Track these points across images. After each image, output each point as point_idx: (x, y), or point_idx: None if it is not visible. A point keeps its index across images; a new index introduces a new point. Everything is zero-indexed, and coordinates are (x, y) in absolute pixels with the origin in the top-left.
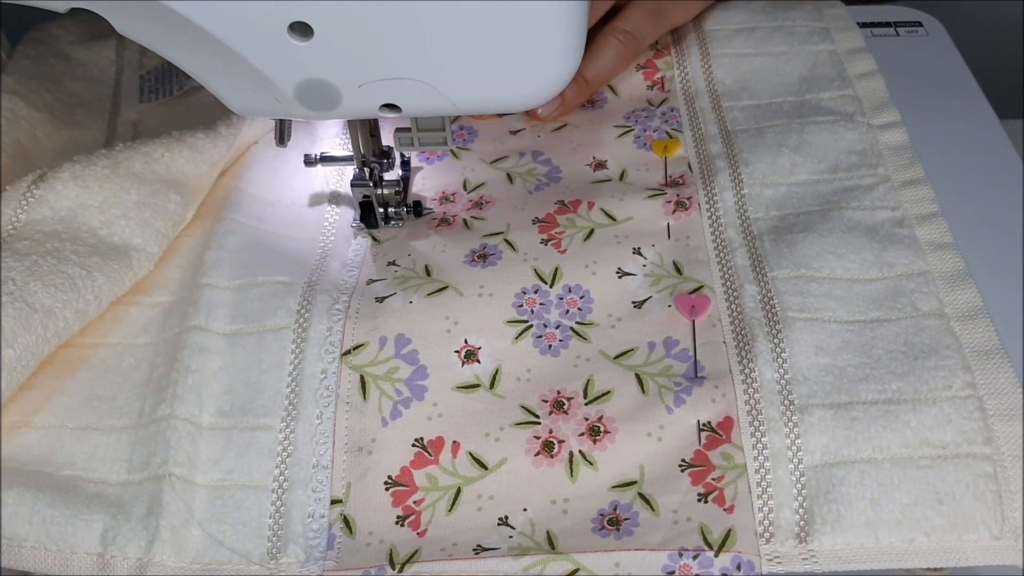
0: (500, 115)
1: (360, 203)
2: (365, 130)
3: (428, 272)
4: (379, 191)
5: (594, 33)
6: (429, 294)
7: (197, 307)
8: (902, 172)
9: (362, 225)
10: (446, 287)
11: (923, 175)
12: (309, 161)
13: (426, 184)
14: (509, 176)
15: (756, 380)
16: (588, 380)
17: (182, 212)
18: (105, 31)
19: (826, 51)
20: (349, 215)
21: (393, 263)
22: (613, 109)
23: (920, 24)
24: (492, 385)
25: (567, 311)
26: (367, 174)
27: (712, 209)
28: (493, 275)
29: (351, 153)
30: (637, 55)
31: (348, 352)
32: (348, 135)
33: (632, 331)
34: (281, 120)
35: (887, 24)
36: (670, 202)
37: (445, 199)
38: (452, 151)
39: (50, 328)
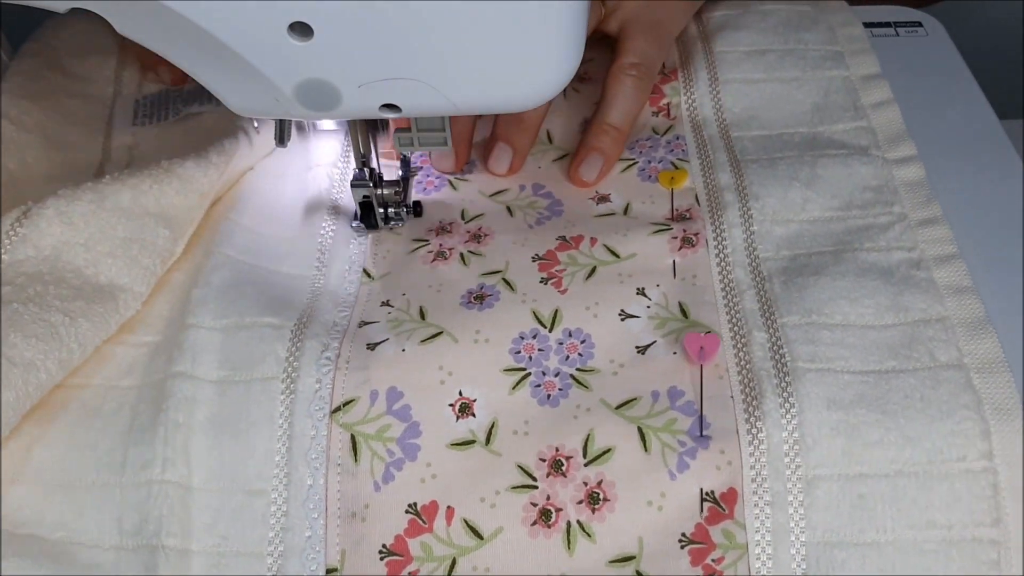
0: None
1: (360, 203)
2: (365, 130)
3: (423, 315)
4: (379, 191)
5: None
6: (422, 341)
7: (183, 350)
8: (919, 210)
9: (362, 225)
10: (440, 332)
11: (940, 214)
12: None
13: (425, 214)
14: (509, 209)
15: (763, 443)
16: (588, 435)
17: (171, 247)
18: (104, 46)
19: (840, 77)
20: (344, 248)
21: (387, 303)
22: None
23: (920, 24)
24: (488, 441)
25: (567, 357)
26: (367, 174)
27: (720, 246)
28: (490, 319)
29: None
30: (653, 81)
31: (338, 409)
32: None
33: (635, 378)
34: (281, 120)
35: (887, 24)
36: (676, 238)
37: (442, 229)
38: (450, 182)
39: (31, 382)
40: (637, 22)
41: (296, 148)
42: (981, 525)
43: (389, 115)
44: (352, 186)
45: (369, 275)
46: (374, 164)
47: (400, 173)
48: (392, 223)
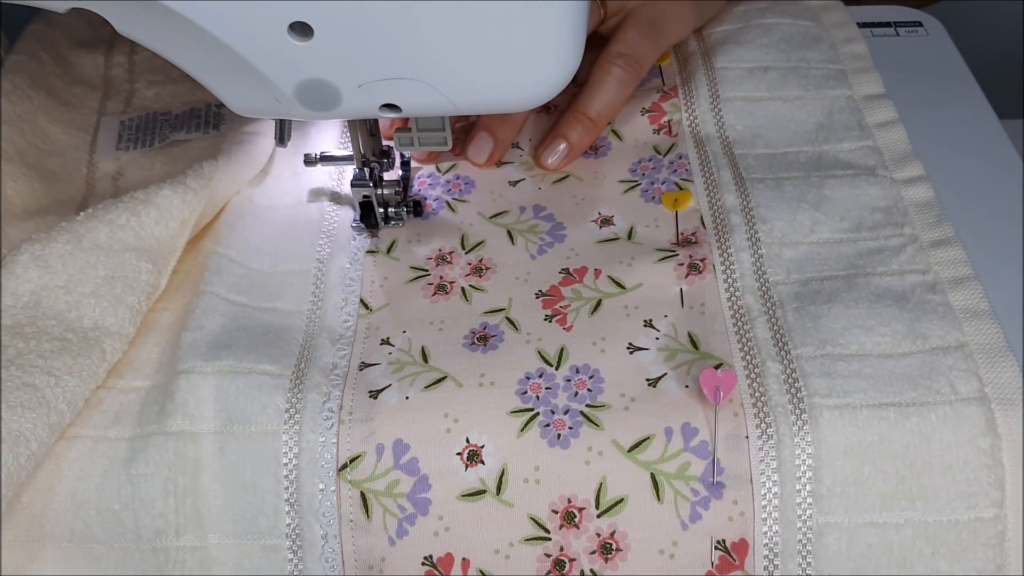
0: (499, 164)
1: (360, 203)
2: (365, 130)
3: (425, 357)
4: (379, 191)
5: (587, 63)
6: (426, 387)
7: (175, 400)
8: (930, 231)
9: (362, 225)
10: (444, 377)
11: (953, 234)
12: (309, 161)
13: (422, 239)
14: (510, 234)
15: (777, 496)
16: (601, 484)
17: (156, 281)
18: (93, 66)
19: (843, 96)
20: (340, 274)
21: (387, 341)
22: (618, 157)
23: (920, 24)
24: (499, 491)
25: (576, 393)
26: (367, 174)
27: (728, 271)
28: (494, 361)
29: (351, 152)
30: (639, 80)
31: (345, 466)
32: (348, 136)
33: (647, 414)
34: (281, 120)
35: (887, 24)
36: (682, 264)
37: (442, 259)
38: (448, 203)
39: (23, 454)
40: (633, 17)
41: (284, 172)
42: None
43: (389, 115)
44: (352, 186)
45: (367, 306)
46: (372, 159)
47: (400, 173)
48: (392, 222)
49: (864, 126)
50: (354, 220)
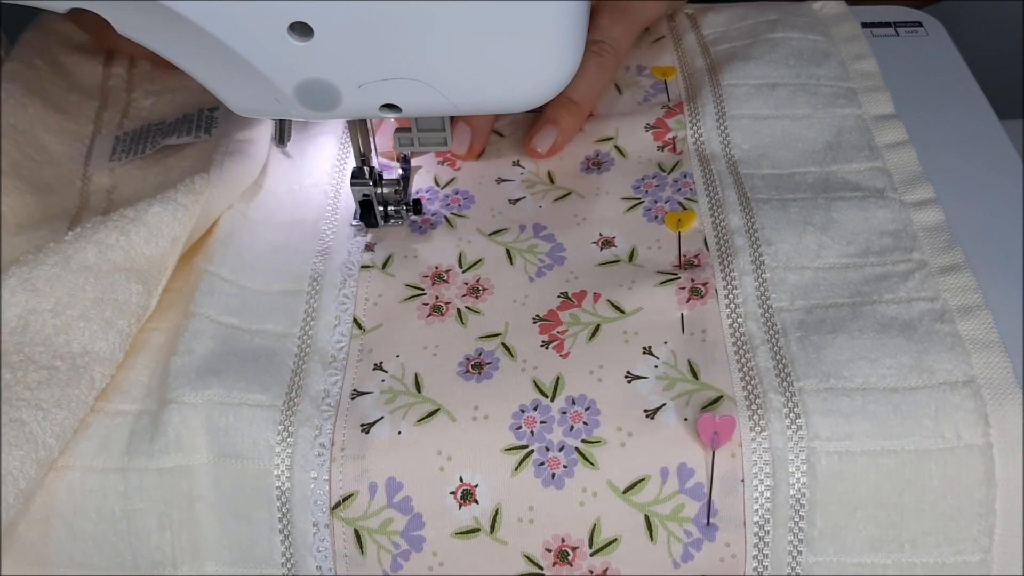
0: (494, 175)
1: (360, 202)
2: (365, 130)
3: (418, 386)
4: (379, 190)
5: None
6: (419, 420)
7: (167, 434)
8: (940, 256)
9: (361, 224)
10: (437, 410)
11: (963, 260)
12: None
13: (420, 254)
14: (509, 254)
15: (769, 544)
16: (595, 524)
17: (146, 302)
18: (90, 77)
19: (852, 115)
20: (333, 291)
21: (380, 367)
22: (621, 174)
23: (920, 24)
24: (492, 529)
25: (571, 427)
26: (367, 172)
27: (731, 296)
28: (488, 391)
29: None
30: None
31: (338, 505)
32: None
33: (644, 451)
34: (281, 120)
35: (887, 24)
36: (684, 288)
37: (438, 277)
38: (447, 217)
39: (11, 493)
40: (603, 3)
41: (278, 186)
42: None
43: (389, 115)
44: (351, 184)
45: (360, 325)
46: (374, 162)
47: (400, 171)
48: (392, 221)
49: (874, 147)
50: (353, 218)
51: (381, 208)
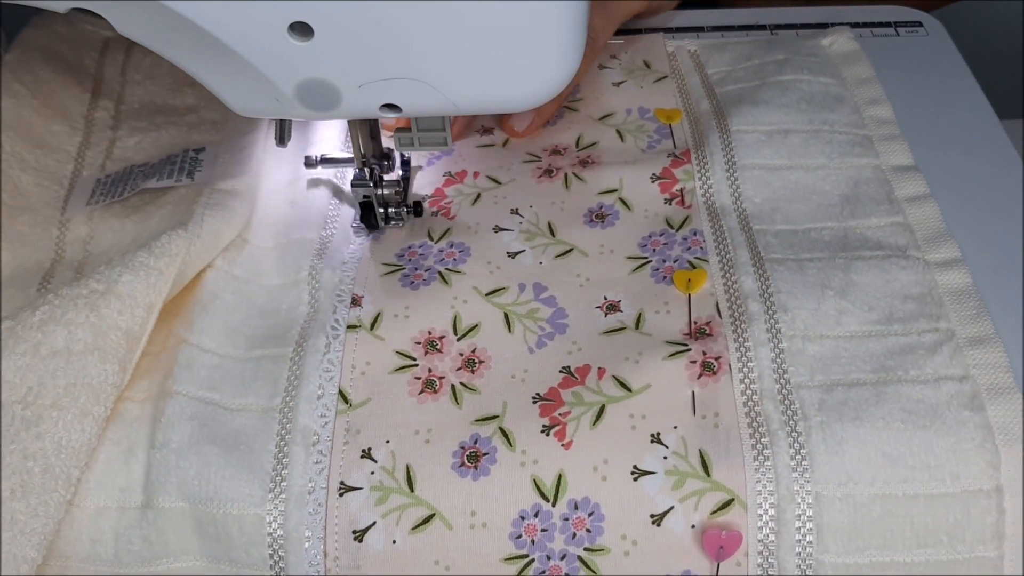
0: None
1: (360, 203)
2: (365, 130)
3: (411, 482)
4: (379, 191)
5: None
6: (414, 528)
7: (159, 543)
8: (968, 326)
9: (362, 225)
10: (433, 515)
11: (993, 331)
12: (310, 163)
13: (412, 314)
14: (507, 318)
15: None
16: None
17: (120, 379)
18: (75, 106)
19: (870, 166)
20: (317, 358)
21: (368, 454)
22: (626, 229)
23: (920, 24)
24: None
25: (573, 535)
26: (367, 174)
27: (745, 371)
28: (486, 493)
29: (351, 155)
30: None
31: None
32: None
33: (648, 561)
34: (281, 120)
35: (887, 24)
36: (695, 362)
37: (431, 345)
38: (441, 273)
39: None
40: None
41: (264, 241)
42: None
43: (389, 115)
44: (352, 186)
45: (346, 399)
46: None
47: (400, 173)
48: (392, 223)
49: (894, 200)
50: (354, 220)
51: (382, 210)
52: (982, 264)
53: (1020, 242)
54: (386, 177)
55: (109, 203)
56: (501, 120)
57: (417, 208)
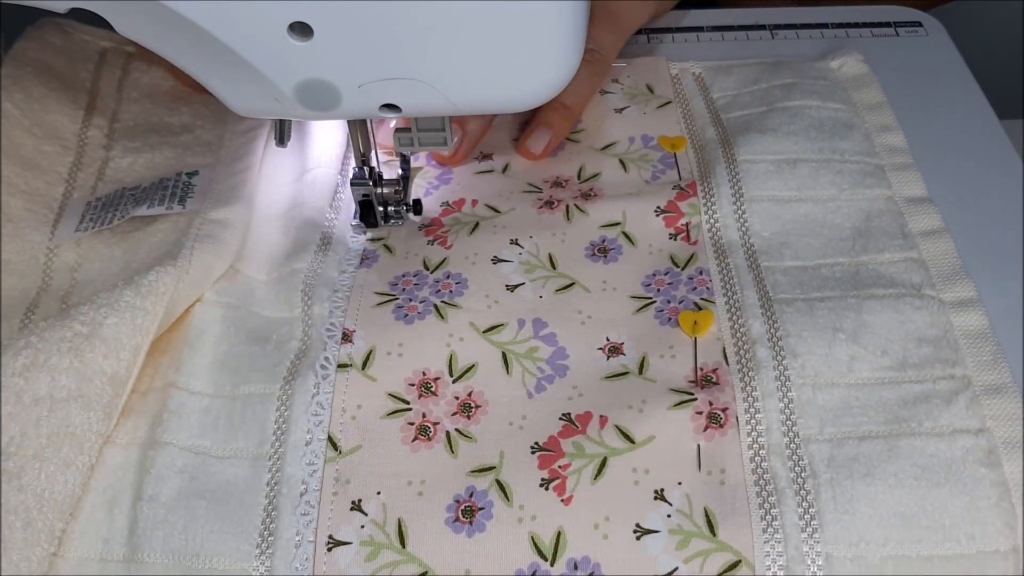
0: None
1: (360, 202)
2: (365, 130)
3: (402, 538)
4: (379, 190)
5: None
6: None
7: None
8: (985, 373)
9: (362, 224)
10: (425, 574)
11: (1011, 380)
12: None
13: (405, 351)
14: (505, 359)
15: None
16: None
17: (105, 427)
18: (67, 126)
19: (882, 197)
20: (302, 401)
21: (358, 506)
22: (629, 264)
23: (920, 24)
24: None
25: None
26: (367, 173)
27: (753, 422)
28: (482, 551)
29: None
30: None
31: None
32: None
33: None
34: (281, 120)
35: (887, 24)
36: (701, 413)
37: (425, 387)
38: (436, 307)
39: None
40: (592, 11)
41: (257, 271)
42: None
43: (389, 115)
44: (352, 184)
45: (335, 445)
46: (373, 163)
47: (400, 171)
48: (392, 222)
49: (907, 234)
50: (353, 218)
51: (381, 208)
52: (982, 265)
53: (1020, 243)
54: (385, 176)
55: (99, 229)
56: (517, 145)
57: (416, 207)
